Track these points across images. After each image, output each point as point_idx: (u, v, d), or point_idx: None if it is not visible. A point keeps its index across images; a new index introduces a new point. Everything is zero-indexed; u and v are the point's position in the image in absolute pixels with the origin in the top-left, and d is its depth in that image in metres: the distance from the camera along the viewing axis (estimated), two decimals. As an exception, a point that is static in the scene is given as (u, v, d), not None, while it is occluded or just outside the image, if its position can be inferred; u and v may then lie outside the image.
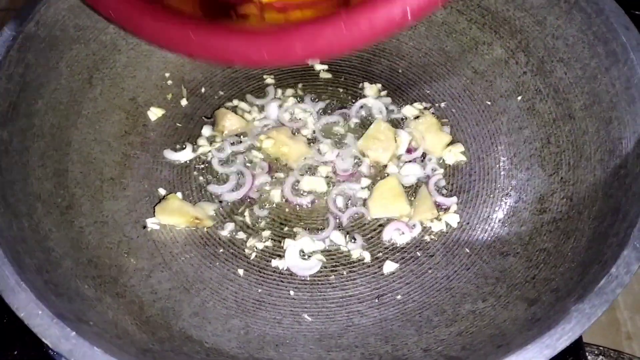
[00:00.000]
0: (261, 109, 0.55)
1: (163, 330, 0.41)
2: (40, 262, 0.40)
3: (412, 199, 0.50)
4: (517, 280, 0.43)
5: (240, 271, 0.47)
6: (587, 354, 0.50)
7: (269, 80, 0.57)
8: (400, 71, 0.57)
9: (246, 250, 0.48)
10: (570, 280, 0.39)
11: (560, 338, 0.33)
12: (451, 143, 0.52)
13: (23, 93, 0.46)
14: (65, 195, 0.46)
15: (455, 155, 0.52)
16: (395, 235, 0.48)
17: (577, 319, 0.34)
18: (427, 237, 0.48)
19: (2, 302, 0.46)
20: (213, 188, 0.51)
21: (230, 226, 0.49)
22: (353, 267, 0.47)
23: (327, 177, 0.51)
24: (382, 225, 0.49)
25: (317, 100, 0.55)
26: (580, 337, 0.46)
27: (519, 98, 0.52)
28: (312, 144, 0.53)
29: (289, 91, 0.56)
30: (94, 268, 0.43)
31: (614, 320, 0.63)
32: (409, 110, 0.54)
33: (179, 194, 0.50)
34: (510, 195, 0.49)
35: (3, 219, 0.39)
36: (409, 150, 0.52)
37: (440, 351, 0.39)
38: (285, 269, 0.47)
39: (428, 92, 0.55)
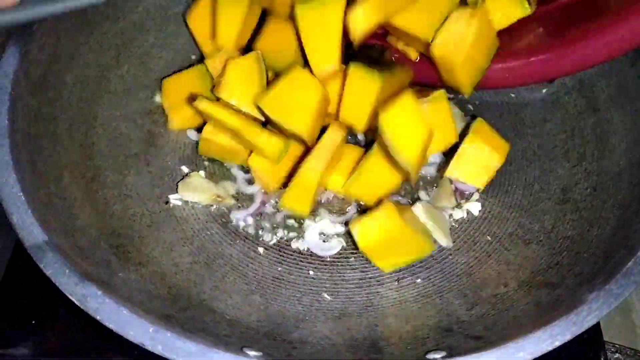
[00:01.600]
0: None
1: (185, 300, 0.41)
2: (67, 227, 0.40)
3: (435, 186, 0.50)
4: (540, 266, 0.43)
5: (261, 249, 0.47)
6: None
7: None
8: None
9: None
10: (595, 265, 0.39)
11: (587, 316, 0.33)
12: (474, 134, 0.52)
13: (53, 65, 0.47)
14: (91, 166, 0.47)
15: (478, 145, 0.52)
16: (416, 221, 0.48)
17: (605, 298, 0.34)
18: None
19: (19, 280, 0.47)
20: (236, 171, 0.51)
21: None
22: (373, 250, 0.47)
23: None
24: (403, 211, 0.49)
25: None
26: (600, 331, 0.46)
27: (544, 91, 0.52)
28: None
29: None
30: (117, 238, 0.43)
31: (630, 322, 0.63)
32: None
33: (202, 172, 0.50)
34: (532, 186, 0.49)
35: (32, 183, 0.40)
36: (431, 139, 0.52)
37: (462, 332, 0.39)
38: (305, 249, 0.47)
39: (452, 83, 0.55)
